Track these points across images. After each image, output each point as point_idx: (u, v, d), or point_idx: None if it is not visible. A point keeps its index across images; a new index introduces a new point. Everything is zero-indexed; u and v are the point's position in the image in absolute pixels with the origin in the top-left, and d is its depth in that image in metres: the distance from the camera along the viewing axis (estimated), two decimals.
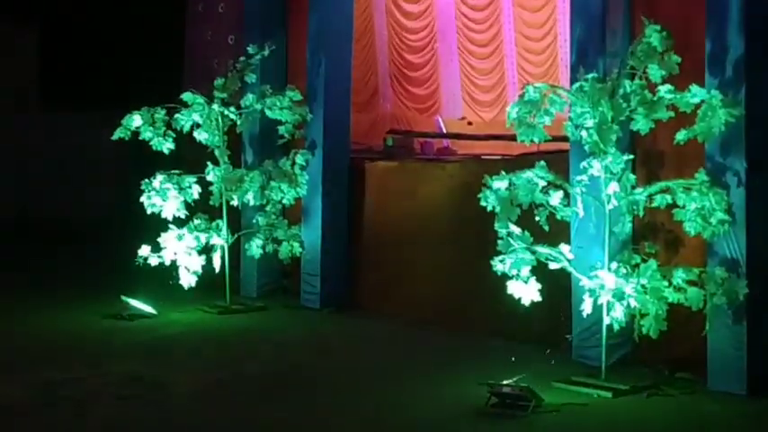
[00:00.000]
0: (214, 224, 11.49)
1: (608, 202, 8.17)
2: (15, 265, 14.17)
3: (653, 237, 8.57)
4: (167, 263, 11.17)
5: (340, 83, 11.99)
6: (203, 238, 11.37)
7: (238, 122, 11.68)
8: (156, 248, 11.15)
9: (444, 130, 14.98)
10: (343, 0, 12.08)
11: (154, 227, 11.34)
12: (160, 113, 11.40)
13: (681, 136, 7.89)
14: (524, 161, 8.93)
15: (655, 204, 8.09)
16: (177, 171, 11.43)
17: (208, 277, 11.38)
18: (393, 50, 15.44)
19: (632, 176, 8.24)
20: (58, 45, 20.88)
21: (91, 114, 19.39)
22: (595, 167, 8.13)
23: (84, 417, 7.29)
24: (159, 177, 11.31)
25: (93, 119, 19.21)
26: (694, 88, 7.85)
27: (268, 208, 11.65)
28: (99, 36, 20.10)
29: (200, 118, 11.46)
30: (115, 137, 11.35)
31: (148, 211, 11.30)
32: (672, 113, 7.95)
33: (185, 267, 11.17)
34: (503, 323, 9.45)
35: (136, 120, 11.29)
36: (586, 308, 8.16)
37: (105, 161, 19.70)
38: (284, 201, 11.61)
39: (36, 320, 10.68)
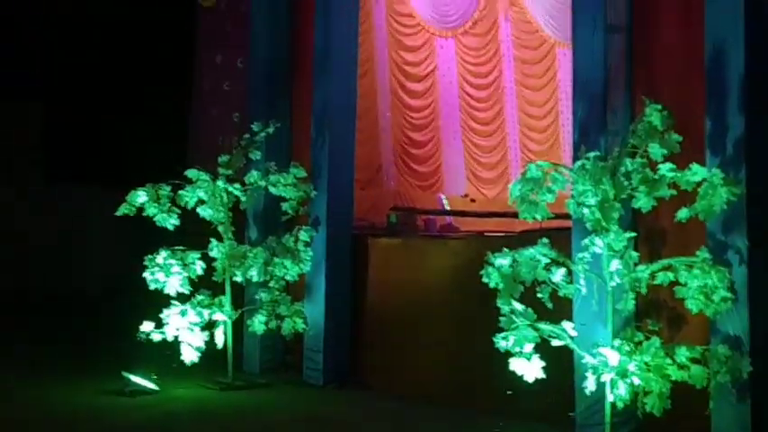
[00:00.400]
0: (217, 300, 11.50)
1: (610, 280, 8.19)
2: (14, 339, 14.14)
3: (656, 314, 8.56)
4: (170, 338, 11.15)
5: (344, 159, 12.09)
6: (206, 313, 11.37)
7: (243, 199, 11.75)
8: (159, 324, 11.15)
9: (447, 208, 15.06)
10: (347, 78, 12.23)
11: (156, 302, 11.34)
12: (165, 190, 11.46)
13: (682, 214, 7.93)
14: (527, 238, 8.98)
15: (657, 281, 8.10)
16: (181, 247, 11.47)
17: (210, 353, 11.35)
18: (396, 128, 15.60)
19: (634, 254, 8.27)
20: (61, 119, 21.06)
21: (93, 188, 19.52)
22: (598, 245, 8.17)
23: None
24: (163, 253, 11.34)
25: (95, 193, 19.35)
26: (695, 167, 7.91)
27: (271, 284, 11.66)
28: (103, 111, 20.30)
29: (204, 194, 11.53)
30: (119, 213, 11.38)
31: (151, 287, 11.31)
32: (674, 191, 8.00)
33: (188, 343, 11.15)
34: (506, 400, 9.41)
35: (141, 196, 11.35)
36: (589, 385, 8.14)
37: (107, 235, 19.71)
38: (287, 277, 11.62)
39: (35, 396, 10.61)
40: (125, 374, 10.89)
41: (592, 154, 8.29)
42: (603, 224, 8.12)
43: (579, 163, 8.33)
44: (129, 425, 9.58)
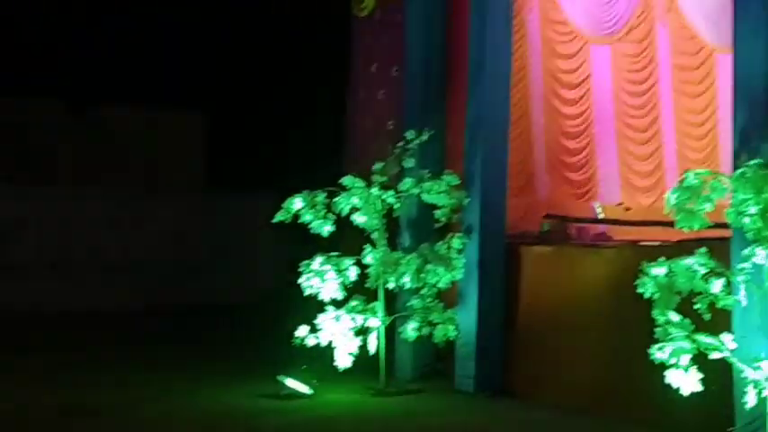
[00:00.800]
0: (370, 306, 11.63)
1: None
2: (173, 342, 14.62)
3: None
4: (324, 343, 11.33)
5: (497, 168, 12.07)
6: (360, 319, 11.51)
7: (396, 206, 11.86)
8: (314, 329, 11.34)
9: (601, 216, 14.86)
10: (501, 89, 12.20)
11: (311, 307, 11.54)
12: (320, 196, 11.67)
13: None
14: (683, 248, 8.79)
15: None
16: (336, 253, 11.65)
17: (363, 359, 11.48)
18: (550, 135, 15.47)
19: None
20: (221, 130, 21.71)
21: (251, 196, 20.04)
22: (759, 255, 7.95)
23: None
24: (318, 259, 11.54)
25: (254, 200, 19.86)
26: None
27: (423, 291, 11.71)
28: (261, 121, 20.82)
29: (359, 201, 11.68)
30: (276, 219, 11.64)
31: (306, 293, 11.52)
32: None
33: (342, 349, 11.30)
34: (663, 412, 9.22)
35: (297, 203, 11.58)
36: (750, 400, 7.92)
37: (264, 241, 20.16)
38: (440, 284, 11.65)
39: (193, 398, 10.92)
40: (280, 378, 11.11)
41: (753, 161, 8.08)
42: (765, 233, 7.91)
43: (740, 171, 8.13)
44: (284, 426, 9.77)
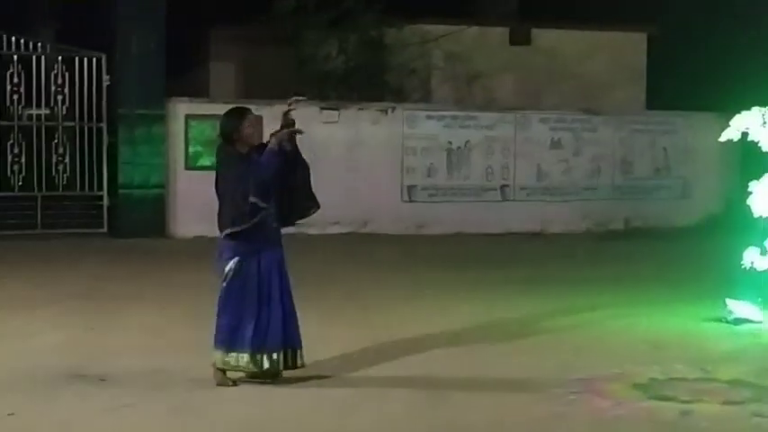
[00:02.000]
0: None
1: None
2: (611, 264, 14.65)
3: None
4: None
5: None
6: None
7: None
8: (764, 252, 10.82)
9: None
10: None
11: (760, 229, 11.01)
12: None
13: None
14: None
15: None
16: None
17: None
18: None
19: None
20: (666, 48, 21.25)
21: (691, 117, 19.54)
22: None
23: (690, 415, 7.28)
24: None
25: (694, 121, 19.34)
26: None
27: None
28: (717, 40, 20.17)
29: None
30: (723, 138, 11.19)
31: (755, 214, 11.00)
32: None
33: None
34: None
35: (746, 120, 11.04)
36: None
37: (707, 162, 19.67)
38: None
39: (636, 319, 10.80)
40: (728, 302, 10.72)
41: None
42: None
43: None
44: (736, 351, 9.43)
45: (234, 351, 7.65)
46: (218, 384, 7.72)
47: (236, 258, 7.61)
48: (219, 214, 7.69)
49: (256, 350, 7.63)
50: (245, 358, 7.66)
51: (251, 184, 7.49)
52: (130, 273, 13.58)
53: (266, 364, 7.67)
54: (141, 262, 14.71)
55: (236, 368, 7.72)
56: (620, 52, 22.12)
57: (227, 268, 7.63)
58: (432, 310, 11.16)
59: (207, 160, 16.62)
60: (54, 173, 17.39)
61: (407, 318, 10.66)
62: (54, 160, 17.38)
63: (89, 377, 8.03)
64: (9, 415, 6.99)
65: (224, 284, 7.67)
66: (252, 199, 7.50)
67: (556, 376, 8.27)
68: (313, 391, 7.74)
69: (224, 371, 7.74)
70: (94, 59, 17.48)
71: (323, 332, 9.29)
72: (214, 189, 7.74)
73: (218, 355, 7.71)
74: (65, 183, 17.44)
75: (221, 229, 7.68)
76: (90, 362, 8.53)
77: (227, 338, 7.66)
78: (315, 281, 12.04)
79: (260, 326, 7.63)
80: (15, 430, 6.79)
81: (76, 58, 17.43)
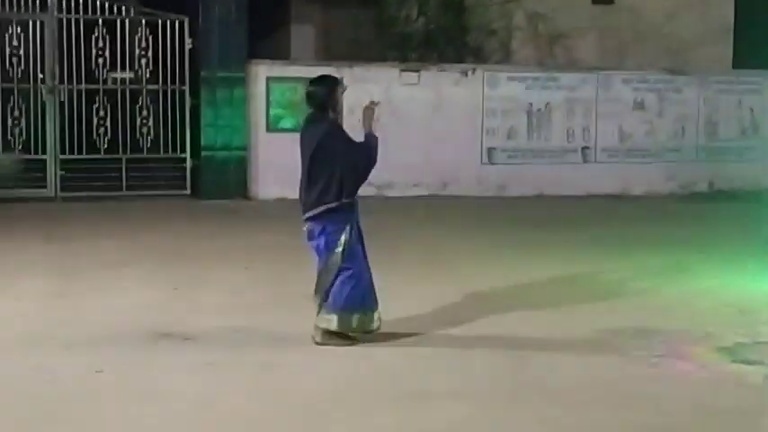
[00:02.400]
0: None
1: None
2: (697, 226, 14.45)
3: None
4: None
5: None
6: None
7: None
8: None
9: None
10: None
11: None
12: None
13: None
14: None
15: None
16: None
17: None
18: None
19: None
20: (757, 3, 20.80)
21: None
22: None
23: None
24: None
25: None
26: None
27: None
28: None
29: None
30: None
31: None
32: None
33: None
34: None
35: None
36: None
37: None
38: None
39: (712, 281, 10.65)
40: None
41: None
42: None
43: None
44: None
45: (366, 311, 7.81)
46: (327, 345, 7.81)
47: (348, 227, 7.75)
48: (327, 184, 7.68)
49: (373, 309, 7.86)
50: (374, 315, 7.86)
51: (361, 156, 7.70)
52: (213, 233, 13.74)
53: (375, 325, 7.88)
54: (224, 223, 14.87)
55: (360, 329, 7.85)
56: (707, 9, 21.67)
57: (342, 238, 7.71)
58: (511, 270, 11.13)
59: (288, 123, 16.72)
60: (138, 136, 17.60)
61: (487, 277, 10.64)
62: (138, 123, 17.59)
63: (174, 335, 8.17)
64: (97, 372, 7.15)
65: (339, 251, 7.73)
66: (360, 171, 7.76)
67: (638, 338, 8.20)
68: (398, 351, 7.79)
69: (340, 334, 7.83)
70: (177, 23, 17.61)
71: (401, 290, 9.34)
72: (307, 157, 7.73)
73: (337, 317, 7.78)
74: (149, 145, 17.64)
75: (326, 201, 7.71)
76: (175, 320, 8.68)
77: (359, 302, 7.78)
78: (394, 243, 12.09)
79: (372, 286, 7.91)
80: (104, 387, 6.93)
81: (159, 22, 17.58)
